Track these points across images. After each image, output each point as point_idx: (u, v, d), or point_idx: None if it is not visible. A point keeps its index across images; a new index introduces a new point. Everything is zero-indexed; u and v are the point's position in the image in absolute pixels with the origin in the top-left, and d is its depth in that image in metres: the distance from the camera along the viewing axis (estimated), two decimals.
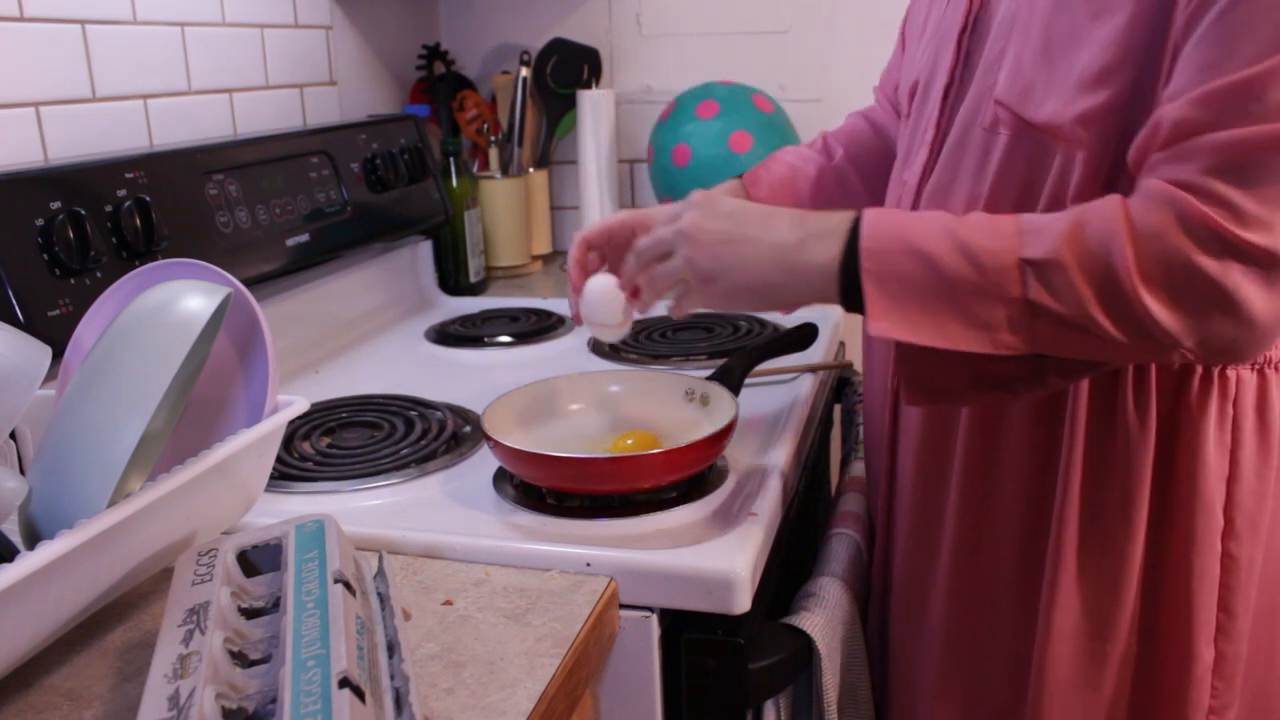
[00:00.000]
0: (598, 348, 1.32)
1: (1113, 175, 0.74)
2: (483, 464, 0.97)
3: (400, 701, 0.55)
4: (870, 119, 1.18)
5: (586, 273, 0.96)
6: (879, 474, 1.00)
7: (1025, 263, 0.69)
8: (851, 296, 0.74)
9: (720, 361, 1.08)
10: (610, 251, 0.98)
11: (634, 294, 0.89)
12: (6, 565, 0.56)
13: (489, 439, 0.88)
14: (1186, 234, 0.66)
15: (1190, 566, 0.80)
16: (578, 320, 0.96)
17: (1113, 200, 0.69)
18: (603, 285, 0.93)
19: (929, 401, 0.81)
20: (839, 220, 0.76)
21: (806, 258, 0.76)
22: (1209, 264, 0.66)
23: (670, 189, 1.69)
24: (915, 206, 0.87)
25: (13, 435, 0.87)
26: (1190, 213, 0.66)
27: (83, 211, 0.98)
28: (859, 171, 1.12)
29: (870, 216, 0.75)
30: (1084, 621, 0.83)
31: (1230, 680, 0.83)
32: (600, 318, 0.93)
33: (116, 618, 0.74)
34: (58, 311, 0.94)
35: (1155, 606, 0.82)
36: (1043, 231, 0.70)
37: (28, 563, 0.57)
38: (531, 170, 1.82)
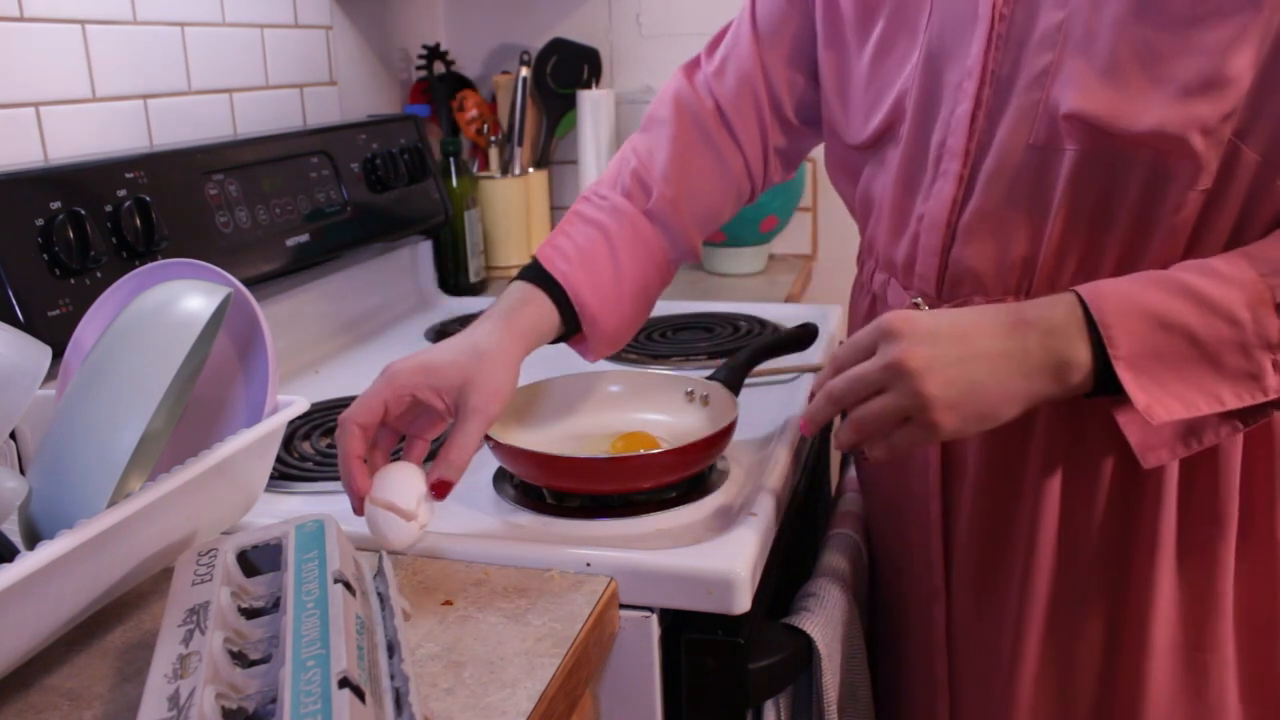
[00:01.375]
0: None
1: (1219, 188, 0.71)
2: (483, 464, 0.97)
3: (400, 701, 0.55)
4: (704, 128, 0.98)
5: (369, 470, 0.79)
6: (926, 510, 0.90)
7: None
8: (1105, 383, 0.70)
9: (720, 361, 1.08)
10: (390, 431, 0.82)
11: (435, 486, 0.78)
12: (6, 565, 0.56)
13: (489, 439, 0.88)
14: None
15: (1276, 569, 0.79)
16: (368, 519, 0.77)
17: None
18: (405, 473, 0.77)
19: (1183, 454, 0.74)
20: (1065, 310, 0.70)
21: (1054, 359, 0.70)
22: None
23: None
24: (950, 242, 0.82)
25: (13, 435, 0.87)
26: None
27: (83, 211, 0.98)
28: (685, 211, 0.97)
29: (1094, 298, 0.70)
30: (1182, 633, 0.81)
31: None
32: (398, 520, 0.75)
33: (116, 618, 0.74)
34: (58, 311, 0.94)
35: (1250, 612, 0.80)
36: None
37: (28, 563, 0.57)
38: (531, 170, 1.82)
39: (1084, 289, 0.70)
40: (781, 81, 0.98)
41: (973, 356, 0.70)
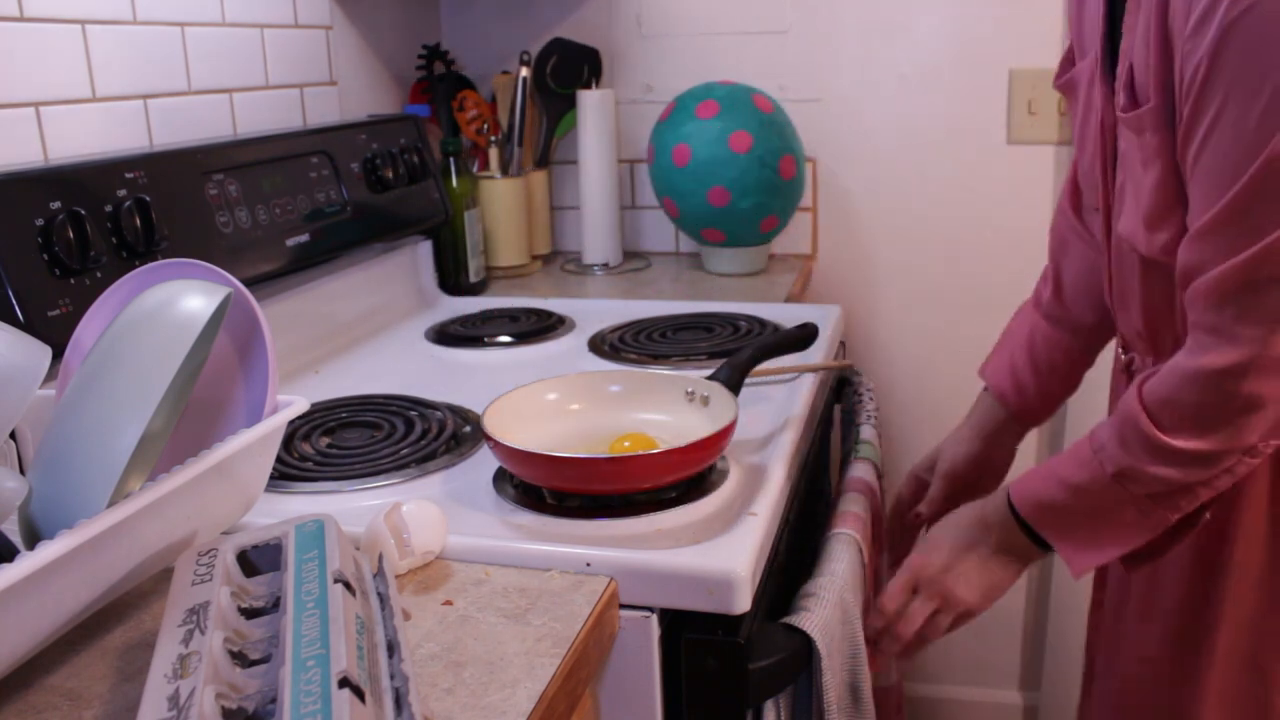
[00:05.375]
0: (597, 348, 1.32)
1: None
2: (483, 464, 0.97)
3: (400, 701, 0.55)
4: (1074, 229, 1.17)
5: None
6: None
7: (1114, 478, 0.87)
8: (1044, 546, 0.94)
9: (720, 361, 1.08)
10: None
11: None
12: (6, 565, 0.56)
13: (489, 439, 0.88)
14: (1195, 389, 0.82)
15: None
16: None
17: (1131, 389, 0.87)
18: (428, 515, 0.80)
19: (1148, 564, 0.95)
20: (997, 507, 0.96)
21: (1007, 547, 0.96)
22: (1216, 397, 0.81)
23: (670, 189, 1.69)
24: (1113, 313, 1.02)
25: (13, 435, 0.87)
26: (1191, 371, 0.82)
27: (83, 211, 0.98)
28: (1070, 301, 1.17)
29: (1016, 494, 0.95)
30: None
31: None
32: (392, 546, 0.78)
33: (116, 618, 0.74)
34: (58, 311, 0.93)
35: None
36: (1107, 445, 0.87)
37: (28, 563, 0.57)
38: (531, 170, 1.82)
39: (1014, 486, 0.95)
40: None
41: (974, 569, 0.98)
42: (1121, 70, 0.87)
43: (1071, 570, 0.92)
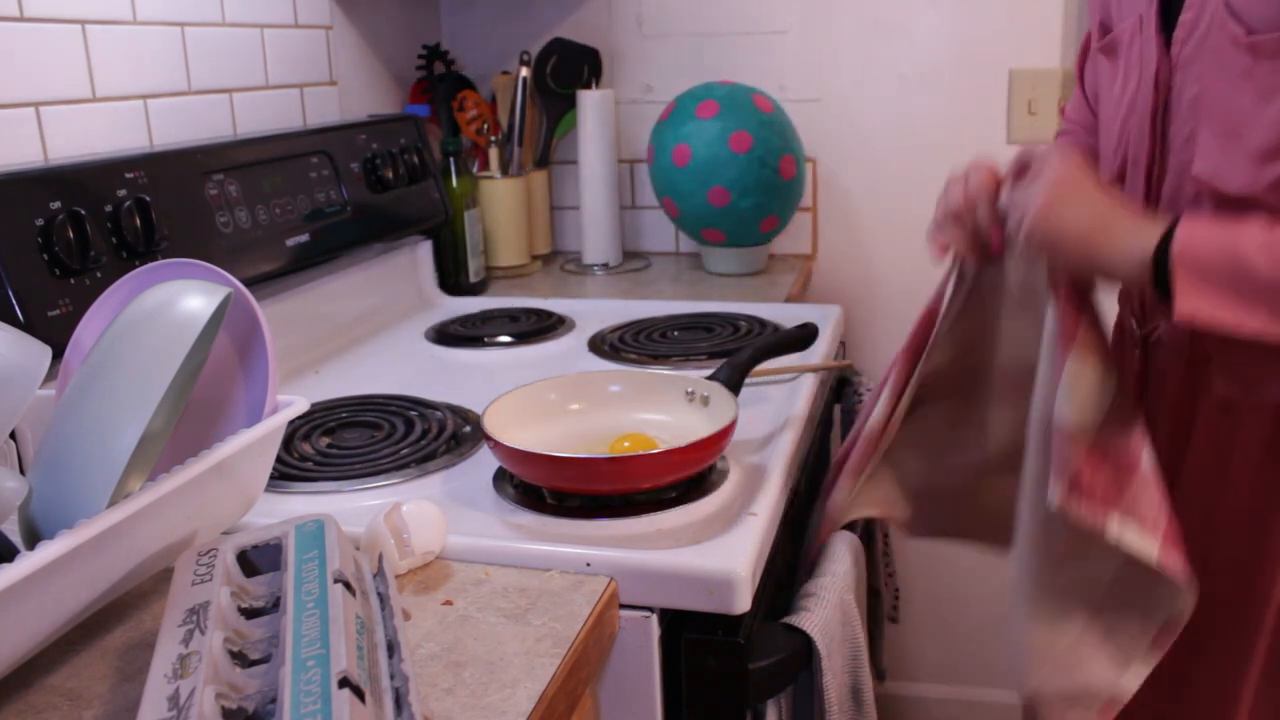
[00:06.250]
0: (597, 348, 1.32)
1: None
2: (483, 464, 0.97)
3: (400, 701, 0.55)
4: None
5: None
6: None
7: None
8: (1160, 281, 0.81)
9: (720, 361, 1.08)
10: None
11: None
12: (6, 565, 0.56)
13: (489, 439, 0.88)
14: None
15: None
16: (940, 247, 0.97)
17: None
18: (429, 515, 0.80)
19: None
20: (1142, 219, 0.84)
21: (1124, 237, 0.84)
22: None
23: (670, 189, 1.69)
24: None
25: (13, 435, 0.87)
26: None
27: (83, 211, 0.98)
28: None
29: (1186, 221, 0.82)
30: None
31: None
32: (392, 546, 0.78)
33: (116, 618, 0.74)
34: (58, 311, 0.93)
35: None
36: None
37: (28, 563, 0.57)
38: (531, 170, 1.82)
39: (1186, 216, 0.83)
40: None
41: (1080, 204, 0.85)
42: (1187, 15, 0.86)
43: (1177, 308, 0.79)
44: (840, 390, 1.37)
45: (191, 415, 0.79)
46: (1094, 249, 0.84)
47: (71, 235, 0.96)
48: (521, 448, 0.86)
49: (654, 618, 0.77)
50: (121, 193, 1.04)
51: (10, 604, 0.58)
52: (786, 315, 1.42)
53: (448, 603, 0.74)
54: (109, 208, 1.02)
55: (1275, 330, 0.78)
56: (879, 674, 1.16)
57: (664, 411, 1.00)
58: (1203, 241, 0.80)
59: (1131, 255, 0.82)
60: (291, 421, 0.80)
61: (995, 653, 1.98)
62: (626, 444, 0.94)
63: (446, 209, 1.59)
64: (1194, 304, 0.79)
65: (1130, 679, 0.89)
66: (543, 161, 1.85)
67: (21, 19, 1.07)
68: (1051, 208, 0.84)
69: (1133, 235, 0.82)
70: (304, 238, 1.29)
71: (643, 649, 0.78)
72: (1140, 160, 0.95)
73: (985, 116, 1.77)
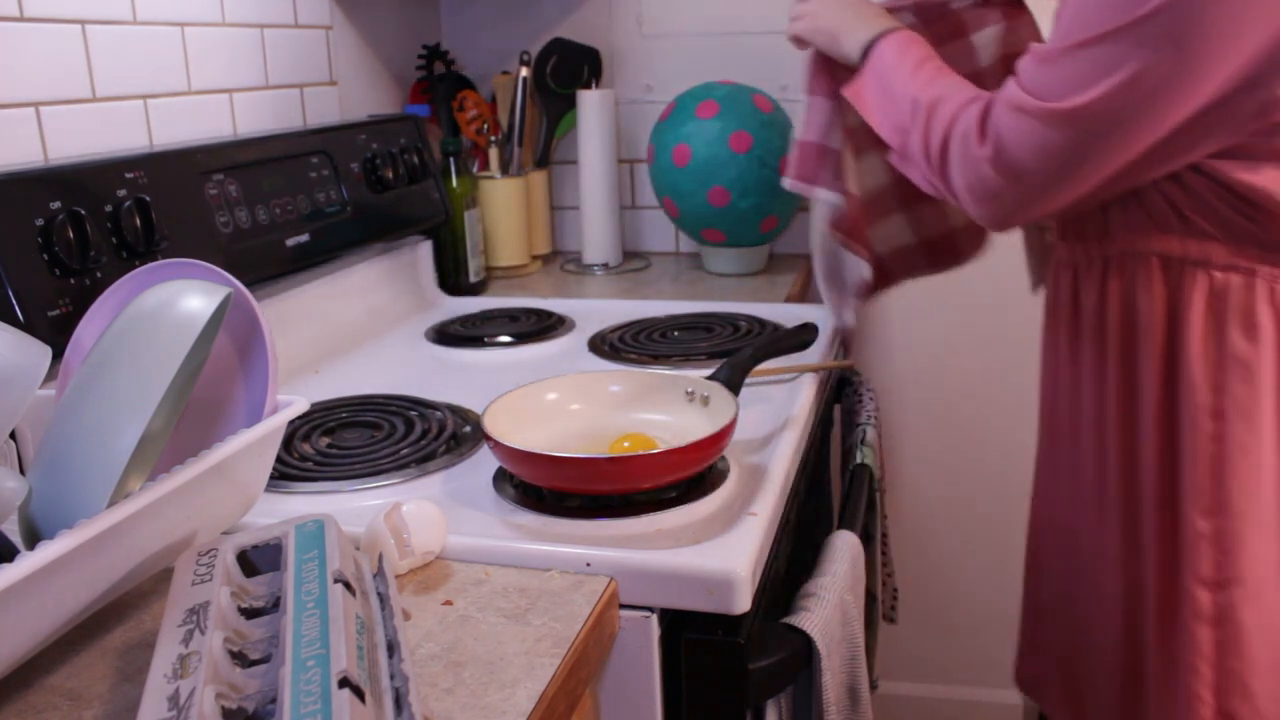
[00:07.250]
0: (597, 348, 1.32)
1: None
2: (483, 464, 0.97)
3: (400, 701, 0.55)
4: None
5: None
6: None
7: (918, 105, 1.01)
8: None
9: (720, 361, 1.08)
10: None
11: None
12: (6, 565, 0.56)
13: (489, 439, 0.88)
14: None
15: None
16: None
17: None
18: (429, 515, 0.80)
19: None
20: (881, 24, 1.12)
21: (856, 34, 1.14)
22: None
23: (670, 189, 1.69)
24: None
25: (13, 435, 0.87)
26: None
27: (83, 211, 0.98)
28: None
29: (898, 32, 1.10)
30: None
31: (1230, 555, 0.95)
32: (392, 546, 0.78)
33: (116, 618, 0.74)
34: (58, 311, 0.94)
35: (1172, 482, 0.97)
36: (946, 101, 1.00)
37: (28, 563, 0.57)
38: (531, 170, 1.82)
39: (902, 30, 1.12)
40: None
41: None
42: None
43: (848, 86, 1.13)
44: (840, 390, 1.37)
45: (191, 415, 0.79)
46: (834, 41, 1.17)
47: (71, 235, 0.96)
48: (521, 448, 0.86)
49: (654, 618, 0.77)
50: (121, 193, 1.04)
51: (10, 604, 0.58)
52: (786, 315, 1.42)
53: (448, 603, 0.74)
54: (109, 208, 1.02)
55: (875, 125, 1.08)
56: (871, 683, 1.16)
57: (664, 411, 1.00)
58: (894, 49, 1.07)
59: (857, 42, 1.12)
60: (291, 421, 0.80)
61: (993, 653, 1.98)
62: (626, 444, 0.94)
63: (446, 209, 1.59)
64: (856, 88, 1.11)
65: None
66: (543, 161, 1.85)
67: (21, 19, 1.07)
68: (808, 10, 1.19)
69: (862, 30, 1.13)
70: (304, 238, 1.29)
71: (643, 649, 0.78)
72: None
73: None
